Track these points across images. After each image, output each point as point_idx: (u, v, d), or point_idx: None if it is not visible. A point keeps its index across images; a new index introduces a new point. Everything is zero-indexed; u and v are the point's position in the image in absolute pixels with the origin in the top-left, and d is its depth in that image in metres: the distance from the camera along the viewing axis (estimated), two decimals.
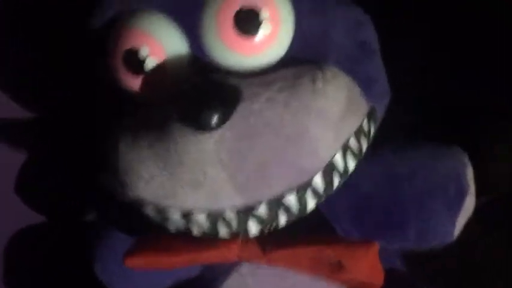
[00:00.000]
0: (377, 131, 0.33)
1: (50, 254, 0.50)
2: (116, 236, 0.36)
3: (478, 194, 0.35)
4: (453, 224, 0.34)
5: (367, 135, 0.31)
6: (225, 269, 0.35)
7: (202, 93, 0.27)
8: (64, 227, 0.51)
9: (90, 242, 0.38)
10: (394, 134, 0.35)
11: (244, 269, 0.34)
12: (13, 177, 0.48)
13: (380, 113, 0.33)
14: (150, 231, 0.33)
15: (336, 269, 0.31)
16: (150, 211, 0.31)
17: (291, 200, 0.29)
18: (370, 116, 0.31)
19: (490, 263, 0.43)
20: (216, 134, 0.27)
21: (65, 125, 0.45)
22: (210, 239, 0.31)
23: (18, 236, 0.50)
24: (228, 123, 0.27)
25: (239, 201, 0.29)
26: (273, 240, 0.32)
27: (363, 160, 0.31)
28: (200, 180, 0.28)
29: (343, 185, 0.31)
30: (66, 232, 0.51)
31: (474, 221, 0.35)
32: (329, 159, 0.29)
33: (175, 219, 0.31)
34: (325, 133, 0.28)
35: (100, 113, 0.33)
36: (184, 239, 0.32)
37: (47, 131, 0.47)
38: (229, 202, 0.29)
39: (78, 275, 0.47)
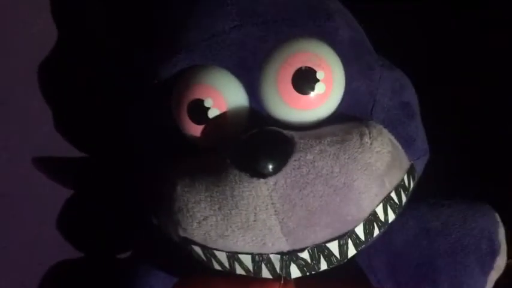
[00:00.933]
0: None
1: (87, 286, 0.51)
2: (153, 272, 0.37)
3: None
4: (485, 282, 0.35)
5: (407, 190, 0.33)
6: None
7: (260, 142, 0.29)
8: (100, 263, 0.53)
9: (128, 280, 0.39)
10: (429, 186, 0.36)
11: None
12: (56, 212, 0.50)
13: (419, 170, 0.35)
14: (192, 269, 0.34)
15: None
16: (197, 250, 0.32)
17: (333, 247, 0.31)
18: (410, 172, 0.33)
19: None
20: (270, 181, 0.29)
21: (117, 164, 0.47)
22: (251, 280, 0.32)
23: (57, 268, 0.51)
24: (282, 172, 0.29)
25: (285, 246, 0.30)
26: (311, 286, 0.33)
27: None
28: (250, 223, 0.29)
29: (380, 236, 0.32)
30: (102, 268, 0.52)
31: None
32: (371, 211, 0.31)
33: (221, 259, 0.32)
34: (370, 186, 0.30)
35: (160, 155, 0.34)
36: (227, 279, 0.33)
37: (96, 170, 0.49)
38: (275, 246, 0.30)
39: None
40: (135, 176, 0.38)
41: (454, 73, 0.46)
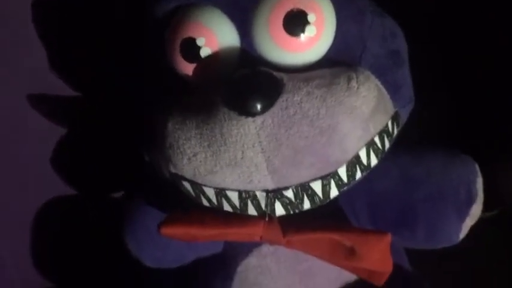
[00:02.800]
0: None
1: (78, 224, 0.53)
2: (146, 210, 0.39)
3: (487, 207, 0.37)
4: (460, 228, 0.36)
5: (391, 136, 0.34)
6: (246, 249, 0.37)
7: (249, 82, 0.30)
8: (92, 200, 0.54)
9: (122, 215, 0.40)
10: (411, 133, 0.36)
11: (264, 249, 0.37)
12: (49, 150, 0.51)
13: (403, 118, 0.35)
14: (182, 205, 0.35)
15: (349, 256, 0.34)
16: (187, 186, 0.33)
17: (317, 186, 0.32)
18: (395, 119, 0.34)
19: (490, 269, 0.45)
20: (258, 120, 0.29)
21: (110, 103, 0.47)
22: (237, 218, 0.34)
23: (49, 206, 0.52)
24: (270, 111, 0.29)
25: (270, 184, 0.31)
26: (294, 225, 0.34)
27: (382, 159, 0.34)
28: (238, 160, 0.30)
29: (363, 181, 0.33)
30: (94, 205, 0.53)
31: (479, 230, 0.37)
32: (354, 153, 0.32)
33: (209, 195, 0.33)
34: (354, 129, 0.31)
35: (152, 93, 0.35)
36: (214, 215, 0.34)
37: (90, 108, 0.49)
38: (261, 183, 0.31)
39: (103, 245, 0.50)
40: (128, 114, 0.38)
41: (448, 31, 0.46)
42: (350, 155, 0.31)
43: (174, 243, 0.37)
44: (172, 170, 0.33)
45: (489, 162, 0.38)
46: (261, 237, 0.35)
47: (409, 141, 0.36)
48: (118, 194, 0.54)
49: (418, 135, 0.38)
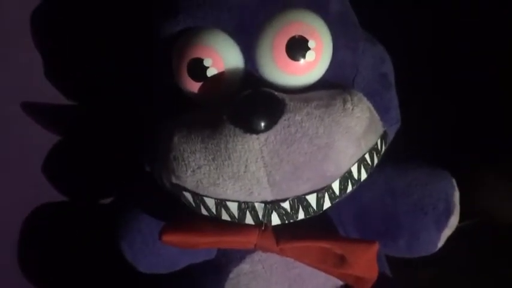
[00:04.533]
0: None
1: (69, 230, 0.53)
2: (142, 217, 0.40)
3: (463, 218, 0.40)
4: (439, 237, 0.39)
5: (379, 152, 0.36)
6: (239, 255, 0.39)
7: (254, 101, 0.32)
8: (83, 207, 0.54)
9: (116, 222, 0.41)
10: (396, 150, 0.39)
11: (257, 256, 0.39)
12: (41, 157, 0.51)
13: (390, 136, 0.38)
14: (177, 213, 0.36)
15: (339, 264, 0.36)
16: (187, 197, 0.35)
17: (312, 199, 0.34)
18: (383, 137, 0.36)
19: (465, 276, 0.48)
20: (262, 137, 0.31)
21: (108, 111, 0.48)
22: (233, 226, 0.35)
23: (40, 211, 0.53)
24: (273, 129, 0.31)
25: (269, 196, 0.33)
26: (287, 234, 0.36)
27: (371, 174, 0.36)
28: (241, 174, 0.32)
29: (350, 193, 0.35)
30: (86, 212, 0.54)
31: (455, 239, 0.40)
32: (347, 169, 0.34)
33: (209, 205, 0.35)
34: (348, 147, 0.33)
35: (157, 108, 0.37)
36: (211, 223, 0.36)
37: (84, 115, 0.50)
38: (261, 195, 0.33)
39: (95, 251, 0.51)
40: (131, 125, 0.40)
41: (430, 49, 0.49)
42: (343, 171, 0.34)
43: (168, 250, 0.39)
44: (174, 181, 0.35)
45: (466, 176, 0.41)
46: (255, 245, 0.36)
47: (393, 153, 0.39)
48: (108, 200, 0.54)
49: (401, 147, 0.40)
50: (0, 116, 0.49)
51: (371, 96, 0.35)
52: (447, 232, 0.39)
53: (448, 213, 0.39)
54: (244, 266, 0.39)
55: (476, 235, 0.48)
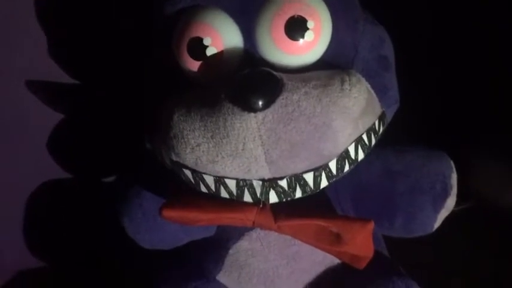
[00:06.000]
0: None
1: (71, 208, 0.54)
2: (143, 194, 0.40)
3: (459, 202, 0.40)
4: (435, 218, 0.40)
5: (377, 133, 0.36)
6: (238, 233, 0.40)
7: (253, 81, 0.32)
8: (86, 184, 0.55)
9: (119, 199, 0.41)
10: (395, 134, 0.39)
11: (255, 233, 0.39)
12: (46, 135, 0.52)
13: (388, 118, 0.38)
14: (178, 190, 0.37)
15: (335, 242, 0.36)
16: (187, 174, 0.35)
17: (309, 177, 0.34)
18: (381, 118, 0.37)
19: (460, 257, 0.49)
20: (259, 115, 0.32)
21: (110, 90, 0.48)
22: (232, 204, 0.36)
23: (44, 188, 0.54)
24: (270, 108, 0.32)
25: (267, 174, 0.34)
26: (285, 212, 0.36)
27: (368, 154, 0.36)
28: (239, 151, 0.32)
29: (348, 173, 0.36)
30: (89, 188, 0.55)
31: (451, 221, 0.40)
32: (344, 149, 0.34)
33: (208, 182, 0.35)
34: (345, 126, 0.33)
35: (157, 86, 0.37)
36: (211, 200, 0.36)
37: (87, 94, 0.51)
38: (259, 173, 0.34)
39: (99, 229, 0.52)
40: (131, 103, 0.40)
41: (436, 33, 0.49)
42: (340, 150, 0.34)
43: (169, 227, 0.39)
44: (174, 159, 0.35)
45: (463, 159, 0.41)
46: (253, 223, 0.37)
47: (391, 137, 0.39)
48: (112, 177, 0.55)
49: (399, 131, 0.40)
50: (5, 94, 0.49)
51: (370, 77, 0.36)
52: (444, 213, 0.40)
53: (445, 194, 0.39)
54: (243, 243, 0.40)
55: (471, 219, 0.48)
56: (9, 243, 0.54)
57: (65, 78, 0.50)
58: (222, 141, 0.33)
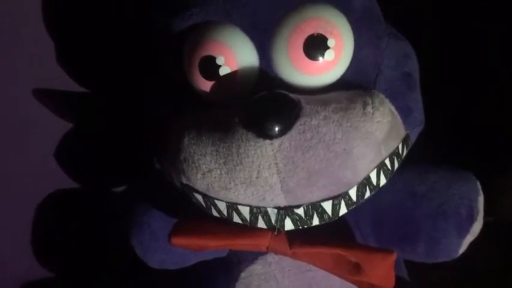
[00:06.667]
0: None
1: (79, 218, 0.53)
2: (152, 213, 0.39)
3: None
4: (460, 244, 0.38)
5: (400, 157, 0.34)
6: (251, 256, 0.38)
7: (268, 105, 0.30)
8: (95, 194, 0.54)
9: (128, 217, 0.40)
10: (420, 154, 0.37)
11: (270, 257, 0.38)
12: (55, 144, 0.51)
13: (413, 139, 0.36)
14: (189, 211, 0.36)
15: (354, 271, 0.35)
16: (198, 198, 0.34)
17: (327, 206, 0.33)
18: (405, 141, 0.35)
19: (487, 277, 0.47)
20: (275, 142, 0.30)
21: (122, 104, 0.47)
22: (245, 229, 0.34)
23: (52, 198, 0.53)
24: (287, 134, 0.30)
25: (283, 202, 0.32)
26: (300, 238, 0.35)
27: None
28: (253, 179, 0.31)
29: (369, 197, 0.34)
30: (98, 200, 0.54)
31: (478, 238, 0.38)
32: (366, 175, 0.32)
33: (220, 208, 0.34)
34: (367, 153, 0.31)
35: (167, 106, 0.35)
36: (223, 225, 0.35)
37: (98, 105, 0.50)
38: (274, 201, 0.32)
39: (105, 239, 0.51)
40: (141, 122, 0.39)
41: (459, 47, 0.47)
42: (361, 178, 0.32)
43: (179, 248, 0.37)
44: (185, 182, 0.34)
45: (487, 173, 0.39)
46: (267, 248, 0.35)
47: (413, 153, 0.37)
48: (120, 188, 0.54)
49: (421, 147, 0.38)
50: (13, 103, 0.49)
51: (393, 98, 0.34)
52: (469, 239, 0.38)
53: (470, 220, 0.37)
54: (256, 267, 0.38)
55: (497, 234, 0.46)
56: (17, 253, 0.53)
57: (75, 87, 0.49)
58: (235, 168, 0.31)
